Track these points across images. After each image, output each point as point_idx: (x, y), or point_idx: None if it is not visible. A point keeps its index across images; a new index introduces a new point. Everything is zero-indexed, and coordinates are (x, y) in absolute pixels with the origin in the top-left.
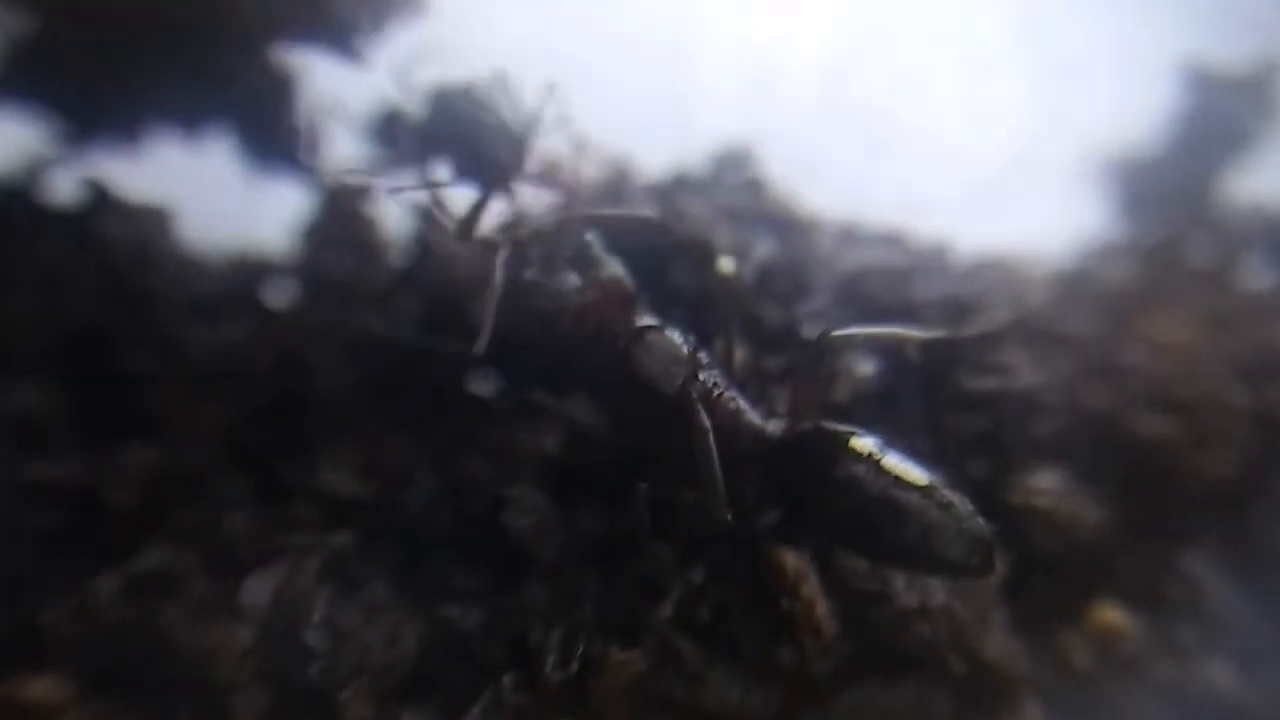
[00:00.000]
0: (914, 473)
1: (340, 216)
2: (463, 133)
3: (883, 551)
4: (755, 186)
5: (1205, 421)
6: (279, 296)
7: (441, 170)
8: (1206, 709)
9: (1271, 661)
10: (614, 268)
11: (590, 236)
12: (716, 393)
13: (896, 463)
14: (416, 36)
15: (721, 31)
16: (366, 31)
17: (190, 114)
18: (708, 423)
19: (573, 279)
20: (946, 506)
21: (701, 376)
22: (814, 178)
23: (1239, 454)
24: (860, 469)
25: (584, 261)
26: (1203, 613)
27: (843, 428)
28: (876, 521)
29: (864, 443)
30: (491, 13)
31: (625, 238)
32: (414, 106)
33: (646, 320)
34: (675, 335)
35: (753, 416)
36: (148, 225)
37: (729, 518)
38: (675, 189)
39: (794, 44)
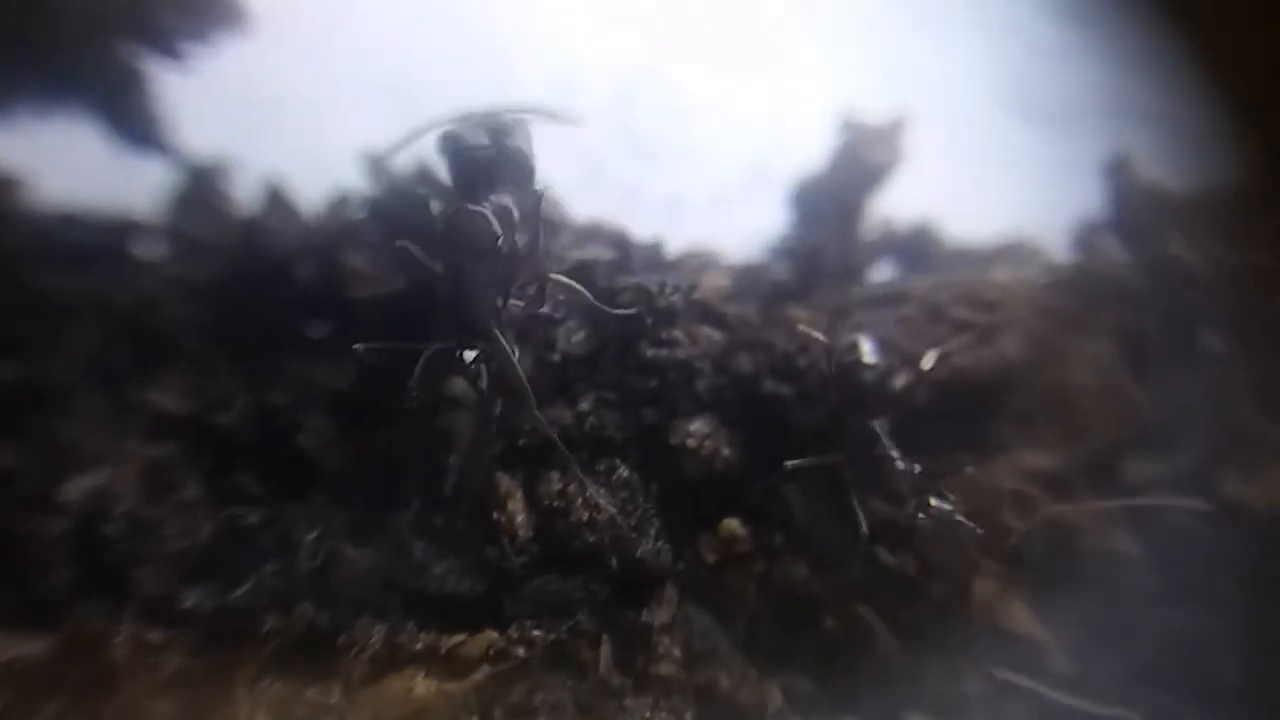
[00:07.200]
0: None
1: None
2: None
3: None
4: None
5: (807, 385)
6: (143, 249)
7: None
8: (785, 593)
9: (837, 563)
10: None
11: None
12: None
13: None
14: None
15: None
16: (190, 38)
17: (43, 99)
18: None
19: None
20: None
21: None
22: (595, 181)
23: (826, 409)
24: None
25: None
26: (791, 525)
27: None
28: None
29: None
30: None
31: None
32: None
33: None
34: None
35: None
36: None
37: None
38: None
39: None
